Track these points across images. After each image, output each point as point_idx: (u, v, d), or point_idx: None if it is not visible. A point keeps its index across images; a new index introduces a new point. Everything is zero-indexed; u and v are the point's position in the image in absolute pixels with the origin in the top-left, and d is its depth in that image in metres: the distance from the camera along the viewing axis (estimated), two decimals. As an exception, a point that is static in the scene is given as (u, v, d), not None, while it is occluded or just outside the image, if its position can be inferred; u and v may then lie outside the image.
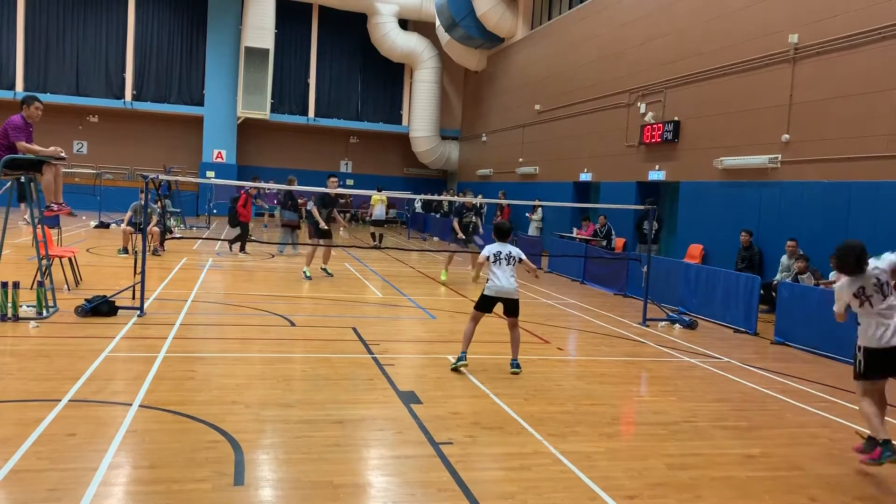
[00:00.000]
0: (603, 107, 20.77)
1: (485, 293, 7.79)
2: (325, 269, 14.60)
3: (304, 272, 14.04)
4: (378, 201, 23.33)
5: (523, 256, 7.91)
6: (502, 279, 7.69)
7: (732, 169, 15.20)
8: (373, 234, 23.59)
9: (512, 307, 7.76)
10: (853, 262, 5.46)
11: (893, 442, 5.23)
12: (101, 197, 24.12)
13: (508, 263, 7.75)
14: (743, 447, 5.82)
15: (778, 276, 13.01)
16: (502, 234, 8.01)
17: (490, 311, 7.91)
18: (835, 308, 5.70)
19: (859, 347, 5.49)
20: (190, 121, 33.53)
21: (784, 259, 13.12)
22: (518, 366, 7.78)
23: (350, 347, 8.58)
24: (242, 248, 17.60)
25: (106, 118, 33.21)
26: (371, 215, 24.13)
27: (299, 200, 18.58)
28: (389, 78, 36.25)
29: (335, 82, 35.47)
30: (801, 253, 12.56)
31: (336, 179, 14.55)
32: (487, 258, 7.81)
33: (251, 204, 18.04)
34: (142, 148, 33.48)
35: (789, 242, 13.02)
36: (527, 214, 24.29)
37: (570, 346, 9.89)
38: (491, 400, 6.69)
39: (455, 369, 7.61)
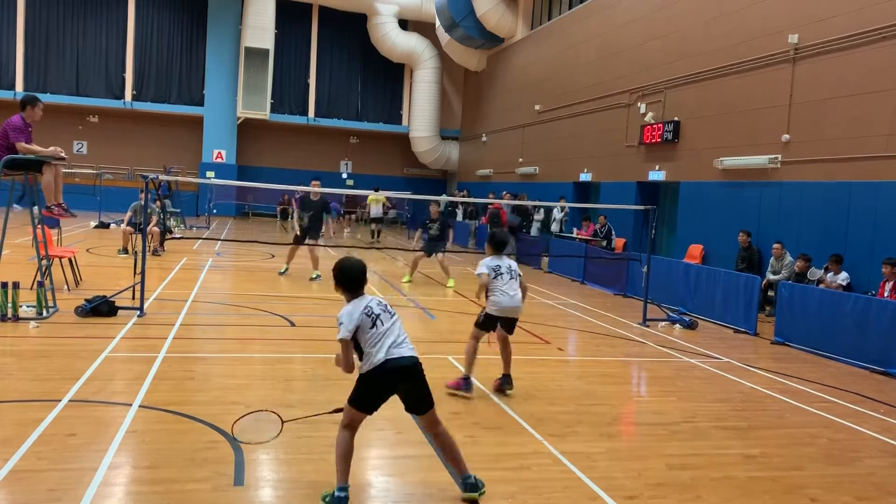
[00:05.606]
0: (603, 107, 20.76)
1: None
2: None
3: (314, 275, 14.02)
4: (374, 201, 25.34)
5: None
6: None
7: (732, 169, 15.19)
8: (372, 232, 25.24)
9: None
10: None
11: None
12: (100, 197, 24.11)
13: (512, 278, 6.79)
14: (743, 447, 5.82)
15: (769, 277, 13.04)
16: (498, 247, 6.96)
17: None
18: None
19: None
20: (190, 121, 33.52)
21: (772, 261, 13.20)
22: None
23: (350, 347, 8.56)
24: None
25: (106, 118, 33.20)
26: (369, 214, 25.89)
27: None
28: (389, 78, 36.23)
29: (335, 82, 35.45)
30: (789, 255, 12.77)
31: (318, 182, 14.26)
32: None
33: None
34: (142, 148, 33.46)
35: (775, 245, 13.19)
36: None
37: (571, 346, 9.90)
38: (491, 400, 6.69)
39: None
